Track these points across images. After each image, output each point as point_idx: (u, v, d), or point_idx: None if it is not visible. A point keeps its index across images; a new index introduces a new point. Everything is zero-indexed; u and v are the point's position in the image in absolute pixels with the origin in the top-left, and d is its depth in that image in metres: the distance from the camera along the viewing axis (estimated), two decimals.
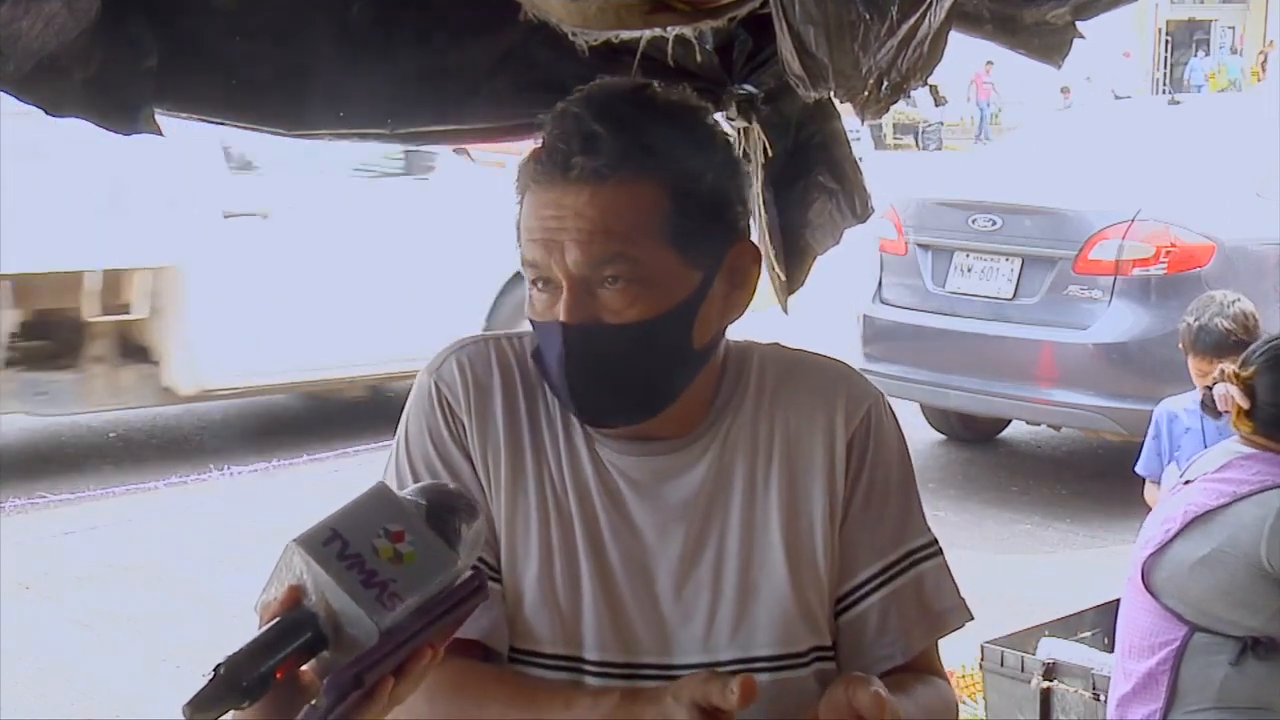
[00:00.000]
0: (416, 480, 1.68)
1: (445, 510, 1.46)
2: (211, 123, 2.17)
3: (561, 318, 1.59)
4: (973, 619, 1.78)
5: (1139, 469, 5.09)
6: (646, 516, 1.67)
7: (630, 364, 1.62)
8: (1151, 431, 5.03)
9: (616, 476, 1.69)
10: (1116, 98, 23.98)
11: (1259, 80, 30.93)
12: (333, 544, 1.38)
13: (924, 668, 1.73)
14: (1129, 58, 30.06)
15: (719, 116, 2.48)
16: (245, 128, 2.15)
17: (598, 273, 1.58)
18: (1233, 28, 36.61)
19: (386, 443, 1.82)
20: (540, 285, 1.62)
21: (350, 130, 2.25)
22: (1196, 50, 33.72)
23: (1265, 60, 31.13)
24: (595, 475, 1.69)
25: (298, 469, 8.02)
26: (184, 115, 2.08)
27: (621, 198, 1.57)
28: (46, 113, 1.81)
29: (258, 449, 8.52)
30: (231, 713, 1.36)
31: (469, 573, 1.46)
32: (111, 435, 9.24)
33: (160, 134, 1.93)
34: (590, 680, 1.67)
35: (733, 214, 1.67)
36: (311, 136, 2.25)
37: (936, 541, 1.76)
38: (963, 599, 1.76)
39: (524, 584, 1.69)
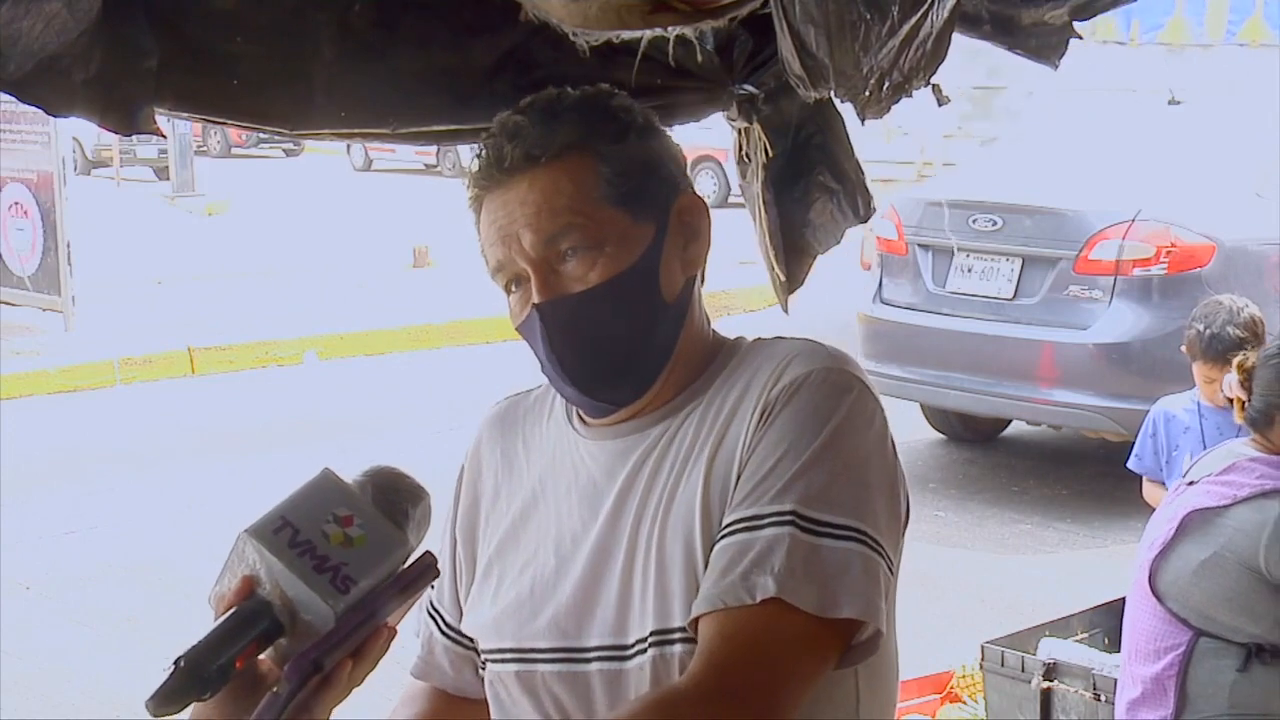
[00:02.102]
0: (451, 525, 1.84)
1: (391, 492, 1.48)
2: (213, 122, 2.17)
3: (534, 300, 1.65)
4: (828, 612, 1.53)
5: (1132, 465, 5.09)
6: (609, 497, 1.69)
7: (608, 327, 1.66)
8: (1148, 430, 5.04)
9: (589, 461, 1.73)
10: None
11: None
12: (283, 532, 1.40)
13: (722, 632, 1.54)
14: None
15: (719, 115, 2.48)
16: (246, 127, 2.16)
17: (554, 249, 1.65)
18: None
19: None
20: (513, 288, 1.69)
21: (352, 130, 2.25)
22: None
23: None
24: (570, 466, 1.74)
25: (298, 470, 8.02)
26: (185, 115, 2.08)
27: (557, 173, 1.65)
28: (47, 112, 1.82)
29: (260, 449, 8.54)
30: (193, 705, 1.37)
31: (419, 552, 1.47)
32: (113, 435, 9.25)
33: (161, 134, 1.94)
34: (543, 669, 1.70)
35: (667, 170, 1.72)
36: (313, 136, 2.25)
37: (798, 516, 1.55)
38: (816, 585, 1.54)
39: (500, 592, 1.75)
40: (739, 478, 1.61)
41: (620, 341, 1.67)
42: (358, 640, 1.40)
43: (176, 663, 1.33)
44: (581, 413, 1.76)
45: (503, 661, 1.73)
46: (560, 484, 1.74)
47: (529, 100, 1.71)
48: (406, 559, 1.45)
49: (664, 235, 1.69)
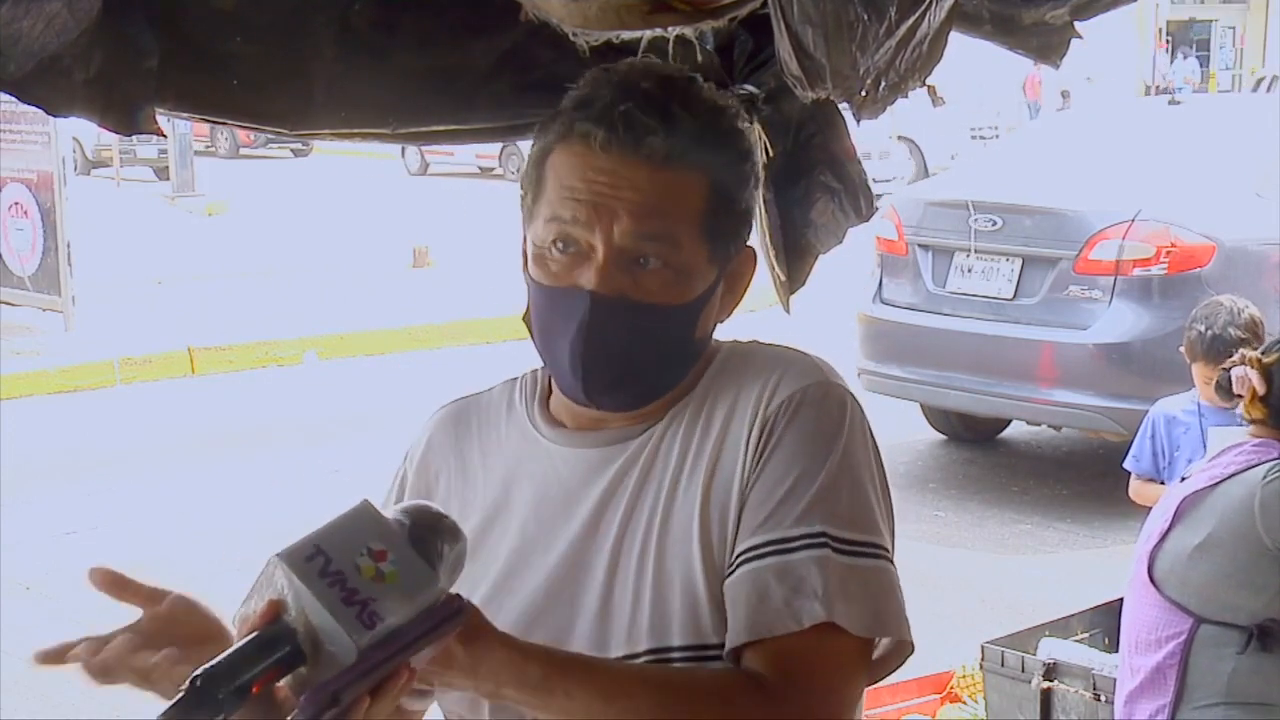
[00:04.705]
0: None
1: (428, 530, 1.46)
2: (212, 122, 2.18)
3: (591, 286, 1.60)
4: (875, 633, 1.57)
5: (1129, 466, 5.09)
6: (587, 507, 1.66)
7: (643, 344, 1.63)
8: (1147, 431, 5.04)
9: (563, 470, 1.69)
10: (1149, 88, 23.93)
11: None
12: (315, 560, 1.39)
13: (773, 661, 1.55)
14: (1165, 48, 30.39)
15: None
16: (246, 127, 2.16)
17: (639, 248, 1.60)
18: (1233, 28, 36.60)
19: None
20: (560, 247, 1.62)
21: (352, 130, 2.25)
22: (1179, 52, 33.63)
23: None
24: (541, 475, 1.71)
25: (299, 469, 8.03)
26: (185, 115, 2.09)
27: (679, 184, 1.61)
28: (48, 112, 1.82)
29: (260, 449, 8.54)
30: None
31: (449, 593, 1.45)
32: (113, 435, 9.25)
33: (161, 134, 1.94)
34: None
35: (751, 220, 1.72)
36: (313, 136, 2.25)
37: (830, 537, 1.57)
38: (861, 606, 1.56)
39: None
40: (743, 498, 1.60)
41: (643, 361, 1.65)
42: (378, 678, 1.39)
43: (193, 681, 1.33)
44: (564, 406, 1.71)
45: None
46: (527, 492, 1.70)
47: (675, 77, 1.65)
48: (437, 600, 1.43)
49: (720, 281, 1.68)
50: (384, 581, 1.39)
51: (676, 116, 1.60)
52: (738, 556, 1.59)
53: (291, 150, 29.29)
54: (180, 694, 1.33)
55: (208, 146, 28.40)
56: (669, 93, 1.62)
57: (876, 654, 1.63)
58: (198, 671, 1.34)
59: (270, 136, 24.29)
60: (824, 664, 1.56)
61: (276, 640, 1.38)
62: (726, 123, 1.67)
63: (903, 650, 1.64)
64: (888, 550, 1.62)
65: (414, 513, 1.48)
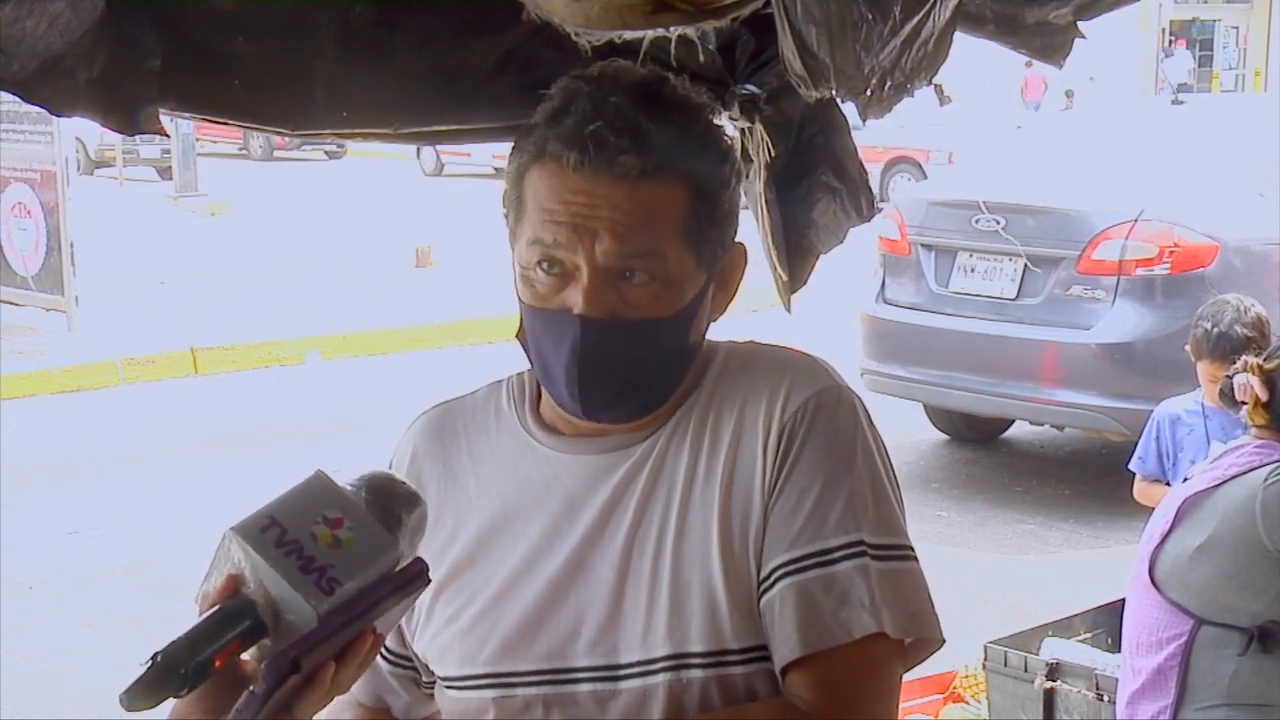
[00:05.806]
0: None
1: (386, 497, 1.46)
2: (215, 122, 2.18)
3: (580, 309, 1.58)
4: (913, 634, 1.61)
5: (1134, 467, 5.09)
6: (592, 513, 1.65)
7: (638, 360, 1.62)
8: (1151, 432, 5.03)
9: (564, 476, 1.68)
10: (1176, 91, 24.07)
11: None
12: (270, 531, 1.38)
13: (820, 678, 1.57)
14: (1184, 45, 30.58)
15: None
16: (249, 127, 2.16)
17: (624, 265, 1.58)
18: (1236, 27, 36.56)
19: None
20: (546, 268, 1.60)
21: (353, 130, 2.25)
22: (1171, 48, 33.59)
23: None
24: (542, 481, 1.69)
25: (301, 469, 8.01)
26: (188, 115, 2.09)
27: (658, 196, 1.58)
28: (51, 112, 1.82)
29: (262, 449, 8.54)
30: (171, 701, 1.36)
31: (411, 559, 1.45)
32: (116, 435, 9.25)
33: (164, 134, 1.94)
34: (526, 692, 1.64)
35: (737, 219, 1.70)
36: (315, 136, 2.26)
37: (867, 545, 1.59)
38: (900, 609, 1.60)
39: (464, 616, 1.69)
40: (766, 506, 1.60)
41: (640, 374, 1.63)
42: (341, 642, 1.38)
43: (154, 657, 1.32)
44: (559, 412, 1.69)
45: (477, 688, 1.67)
46: (527, 500, 1.69)
47: (645, 84, 1.62)
48: (397, 564, 1.43)
49: (710, 285, 1.66)
50: (341, 548, 1.39)
51: (647, 131, 1.57)
52: (776, 570, 1.59)
53: (325, 153, 28.92)
54: (142, 671, 1.32)
55: (240, 149, 28.34)
56: (638, 105, 1.58)
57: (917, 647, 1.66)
58: (158, 649, 1.33)
59: (304, 139, 23.90)
60: (872, 675, 1.60)
61: (237, 614, 1.37)
62: (702, 125, 1.65)
63: (930, 645, 1.66)
64: (914, 548, 1.65)
65: (371, 480, 1.48)
